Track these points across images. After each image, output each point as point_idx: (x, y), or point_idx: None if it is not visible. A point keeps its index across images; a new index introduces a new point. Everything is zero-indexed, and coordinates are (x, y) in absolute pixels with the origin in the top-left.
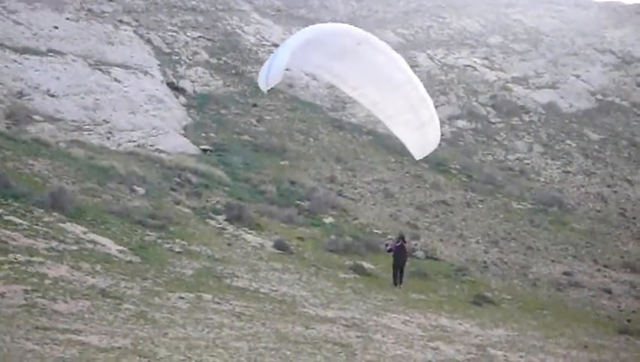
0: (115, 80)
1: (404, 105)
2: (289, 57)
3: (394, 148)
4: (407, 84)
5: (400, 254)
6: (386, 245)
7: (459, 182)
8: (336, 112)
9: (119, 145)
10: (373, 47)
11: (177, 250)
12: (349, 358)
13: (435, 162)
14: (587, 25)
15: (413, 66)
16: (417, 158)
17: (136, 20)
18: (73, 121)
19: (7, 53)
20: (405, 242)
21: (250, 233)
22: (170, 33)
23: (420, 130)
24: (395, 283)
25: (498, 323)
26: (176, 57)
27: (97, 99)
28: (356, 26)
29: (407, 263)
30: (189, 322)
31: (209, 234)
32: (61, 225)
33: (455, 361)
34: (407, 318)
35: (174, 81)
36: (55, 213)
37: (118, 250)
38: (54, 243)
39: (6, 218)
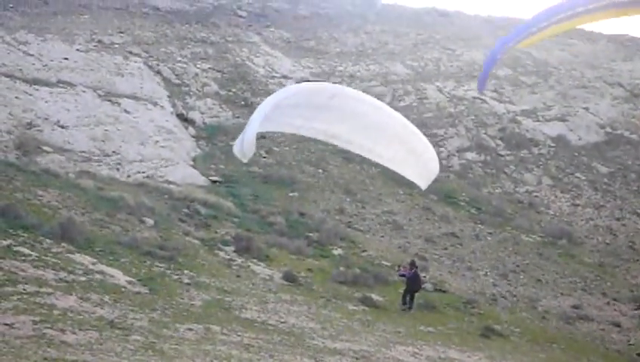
0: (125, 111)
1: (398, 145)
2: (260, 125)
3: (402, 180)
4: (394, 123)
5: (415, 281)
6: (398, 268)
7: (468, 215)
8: None
9: (128, 176)
10: (349, 97)
11: (186, 281)
12: None
13: (444, 194)
14: (596, 58)
15: (422, 98)
16: (424, 188)
17: (146, 52)
18: (82, 151)
19: (18, 84)
20: (417, 267)
21: (259, 264)
22: (179, 65)
23: (418, 162)
24: (404, 305)
25: (507, 356)
26: (186, 88)
27: (107, 130)
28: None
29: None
30: (198, 353)
31: (218, 266)
32: (70, 255)
33: None
34: (416, 351)
35: (184, 112)
36: (64, 244)
37: (126, 281)
38: (63, 274)
39: (15, 249)
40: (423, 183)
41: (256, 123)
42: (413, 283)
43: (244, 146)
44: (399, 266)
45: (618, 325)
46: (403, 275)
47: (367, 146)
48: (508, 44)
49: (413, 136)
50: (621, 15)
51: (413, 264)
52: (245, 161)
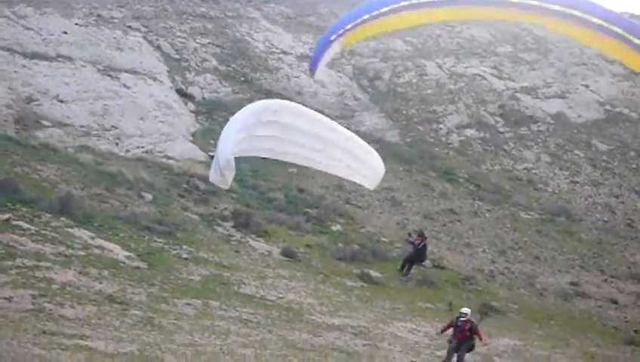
0: (124, 86)
1: (340, 153)
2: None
3: (402, 156)
4: (335, 133)
5: (422, 253)
6: (409, 235)
7: (466, 191)
8: (345, 120)
9: (127, 151)
10: (291, 113)
11: (184, 256)
12: None
13: (443, 171)
14: None
15: (422, 75)
16: (371, 188)
17: (146, 26)
18: (82, 126)
19: (17, 58)
20: (426, 238)
21: (257, 240)
22: (179, 39)
23: (362, 166)
24: (402, 270)
25: (504, 333)
26: (185, 64)
27: (106, 105)
28: None
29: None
30: (196, 328)
31: (216, 241)
32: (69, 230)
33: None
34: (414, 327)
35: (183, 87)
36: (63, 218)
37: (125, 255)
38: (62, 249)
39: (14, 223)
40: (371, 185)
41: (227, 148)
42: (419, 254)
43: (222, 172)
44: (409, 234)
45: (615, 302)
46: (412, 243)
47: (312, 157)
48: (342, 28)
49: (352, 143)
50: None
51: (422, 234)
52: (226, 187)
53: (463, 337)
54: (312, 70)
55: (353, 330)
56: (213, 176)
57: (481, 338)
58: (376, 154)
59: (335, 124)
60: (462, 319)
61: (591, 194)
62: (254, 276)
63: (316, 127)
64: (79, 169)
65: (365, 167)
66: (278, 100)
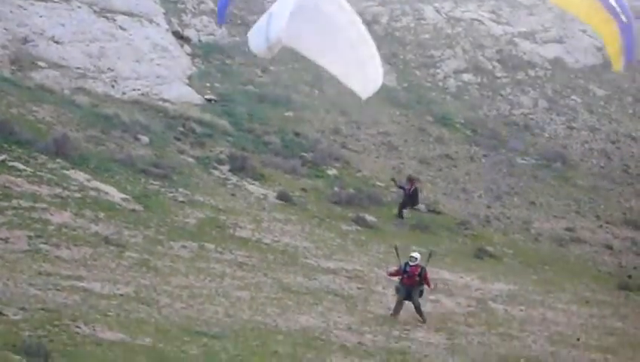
0: (120, 28)
1: (345, 46)
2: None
3: (398, 101)
4: (348, 22)
5: (414, 197)
6: (393, 180)
7: (463, 136)
8: None
9: (124, 93)
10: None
11: (180, 199)
12: (350, 309)
13: (440, 115)
14: None
15: (420, 19)
16: (363, 98)
17: None
18: (78, 68)
19: None
20: (416, 180)
21: (253, 183)
22: None
23: (361, 69)
24: (399, 216)
25: (499, 277)
26: (182, 6)
27: (102, 47)
28: None
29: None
30: (192, 271)
31: (212, 184)
32: (65, 172)
33: (455, 314)
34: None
35: (179, 29)
36: (59, 160)
37: (121, 198)
38: (58, 190)
39: (10, 164)
40: (363, 93)
41: (281, 26)
42: (411, 199)
43: (271, 47)
44: (393, 179)
45: (610, 247)
46: (402, 188)
47: (311, 40)
48: None
49: (361, 40)
50: None
51: (412, 179)
52: (269, 57)
53: (412, 284)
54: (221, 23)
55: (348, 274)
56: (257, 47)
57: (429, 285)
58: (378, 62)
59: (354, 14)
60: (411, 264)
61: (587, 140)
62: (250, 219)
63: (334, 7)
64: (75, 111)
65: (362, 73)
66: None
